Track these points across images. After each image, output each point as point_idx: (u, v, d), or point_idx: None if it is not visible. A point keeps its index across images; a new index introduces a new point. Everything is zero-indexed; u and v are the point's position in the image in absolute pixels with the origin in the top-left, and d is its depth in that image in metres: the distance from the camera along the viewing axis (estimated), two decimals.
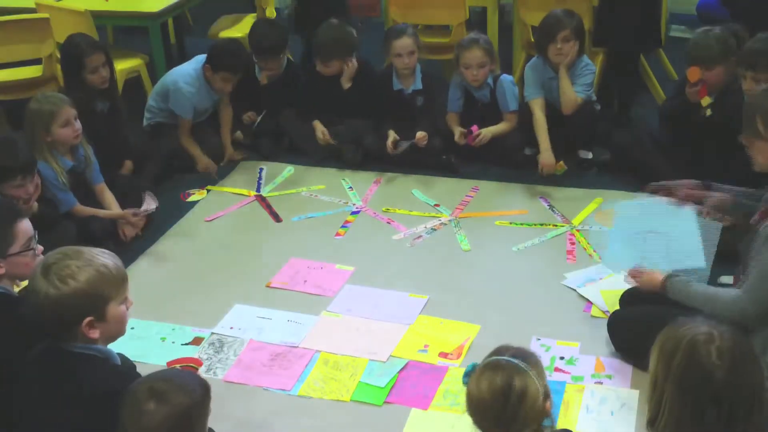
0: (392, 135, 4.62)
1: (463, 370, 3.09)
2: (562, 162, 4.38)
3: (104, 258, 2.33)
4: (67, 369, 2.31)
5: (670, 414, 1.88)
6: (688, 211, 3.27)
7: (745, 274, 2.85)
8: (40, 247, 2.80)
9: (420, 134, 4.55)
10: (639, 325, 3.09)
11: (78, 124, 3.95)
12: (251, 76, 4.93)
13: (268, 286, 3.73)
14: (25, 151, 3.65)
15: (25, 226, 2.71)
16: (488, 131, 4.55)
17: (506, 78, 4.62)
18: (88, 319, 2.27)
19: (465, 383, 2.10)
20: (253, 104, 4.97)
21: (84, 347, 2.31)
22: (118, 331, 2.40)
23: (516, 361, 2.05)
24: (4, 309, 2.60)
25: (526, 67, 4.58)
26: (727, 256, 3.14)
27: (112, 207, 4.11)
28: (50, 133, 3.88)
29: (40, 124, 3.87)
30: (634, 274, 3.10)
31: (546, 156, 4.37)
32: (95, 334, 2.30)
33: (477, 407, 2.06)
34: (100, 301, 2.29)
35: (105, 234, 3.99)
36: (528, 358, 2.09)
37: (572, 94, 4.40)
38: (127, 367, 2.51)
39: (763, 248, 2.72)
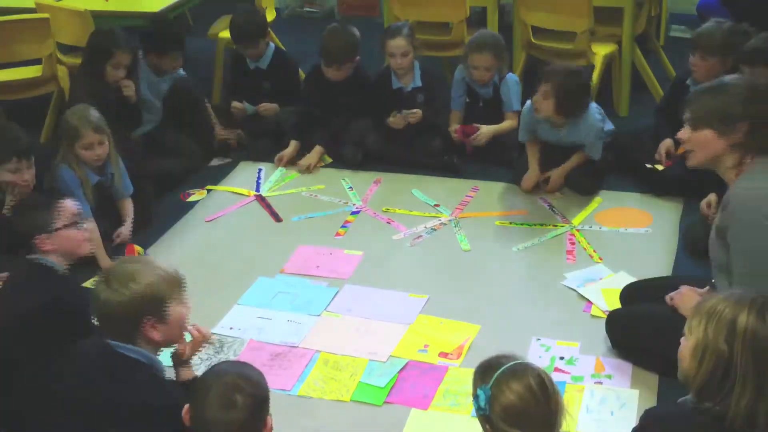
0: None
1: (463, 369, 3.14)
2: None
3: (160, 264, 2.47)
4: (111, 371, 2.37)
5: (745, 382, 1.96)
6: None
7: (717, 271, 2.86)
8: (90, 225, 3.14)
9: (414, 113, 4.57)
10: (636, 322, 3.11)
11: (100, 150, 3.88)
12: (243, 67, 4.98)
13: (282, 273, 3.77)
14: (22, 135, 3.64)
15: (69, 203, 3.01)
16: (488, 130, 4.54)
17: (511, 77, 4.62)
18: (149, 320, 2.38)
19: (483, 409, 2.06)
20: (244, 92, 4.99)
21: (132, 350, 2.38)
22: (177, 335, 2.51)
23: (526, 361, 2.11)
24: (43, 278, 2.81)
25: (522, 111, 4.42)
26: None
27: (127, 220, 4.09)
28: (74, 149, 3.86)
29: (68, 137, 3.87)
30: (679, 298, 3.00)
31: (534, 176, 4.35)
32: (157, 335, 2.40)
33: (521, 415, 2.03)
34: (160, 302, 2.39)
35: (105, 236, 3.98)
36: (523, 357, 2.15)
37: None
38: (168, 381, 2.54)
39: (725, 240, 2.72)
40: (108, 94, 4.33)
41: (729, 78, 2.86)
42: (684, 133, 2.81)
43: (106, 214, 4.01)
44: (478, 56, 4.48)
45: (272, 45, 5.02)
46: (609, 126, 4.41)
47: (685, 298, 2.96)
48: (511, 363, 2.09)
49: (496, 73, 4.56)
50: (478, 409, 2.08)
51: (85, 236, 3.04)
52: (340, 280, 3.73)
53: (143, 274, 2.39)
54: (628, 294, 3.33)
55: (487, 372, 2.11)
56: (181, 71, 4.87)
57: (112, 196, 4.07)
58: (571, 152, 4.32)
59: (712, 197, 3.67)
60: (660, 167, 4.21)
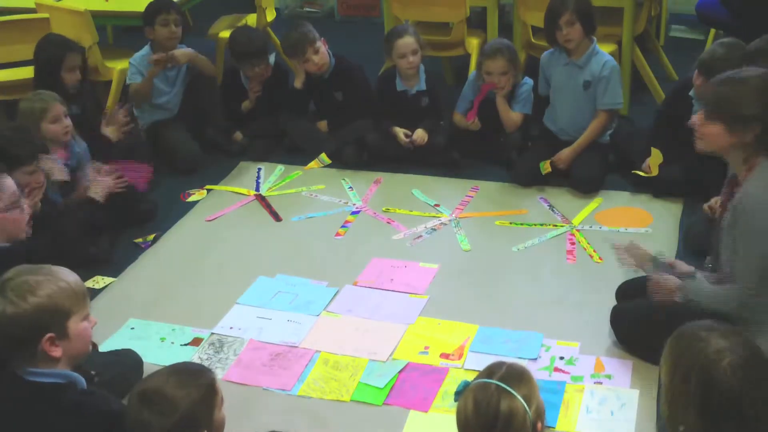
0: (400, 131, 4.62)
1: (464, 371, 3.14)
2: (548, 162, 4.38)
3: (62, 273, 2.29)
4: (30, 404, 2.22)
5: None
6: None
7: (719, 263, 2.92)
8: (26, 206, 2.86)
9: (419, 133, 4.57)
10: (640, 316, 3.11)
11: (68, 121, 3.98)
12: (239, 88, 4.98)
13: (354, 285, 3.72)
14: (38, 137, 3.69)
15: (9, 182, 2.78)
16: (502, 101, 4.53)
17: (529, 81, 4.61)
18: (48, 335, 2.21)
19: (456, 401, 2.09)
20: (239, 98, 4.99)
21: (45, 373, 2.24)
22: (81, 350, 2.32)
23: (504, 384, 2.04)
24: None
25: (541, 61, 4.56)
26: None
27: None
28: (39, 129, 3.89)
29: (32, 121, 3.89)
30: (655, 286, 3.04)
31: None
32: (57, 352, 2.24)
33: (465, 427, 2.05)
34: (61, 316, 2.23)
35: (103, 232, 4.00)
36: (521, 377, 2.08)
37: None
38: (99, 385, 2.43)
39: (733, 237, 2.77)
40: (69, 107, 4.29)
41: (751, 73, 2.80)
42: (697, 118, 2.83)
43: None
44: (491, 62, 4.45)
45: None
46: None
47: (660, 285, 3.00)
48: (492, 381, 2.05)
49: (512, 79, 4.53)
50: (455, 399, 2.10)
51: (25, 220, 2.88)
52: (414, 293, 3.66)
53: (44, 286, 2.22)
54: (625, 290, 3.34)
55: (482, 372, 2.12)
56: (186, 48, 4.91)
57: (74, 180, 4.03)
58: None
59: (714, 201, 3.65)
60: (644, 174, 4.22)
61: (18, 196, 2.82)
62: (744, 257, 2.77)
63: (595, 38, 4.38)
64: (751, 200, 2.73)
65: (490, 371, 2.10)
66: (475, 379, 2.11)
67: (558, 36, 4.31)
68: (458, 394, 2.09)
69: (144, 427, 2.08)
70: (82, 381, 2.32)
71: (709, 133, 2.80)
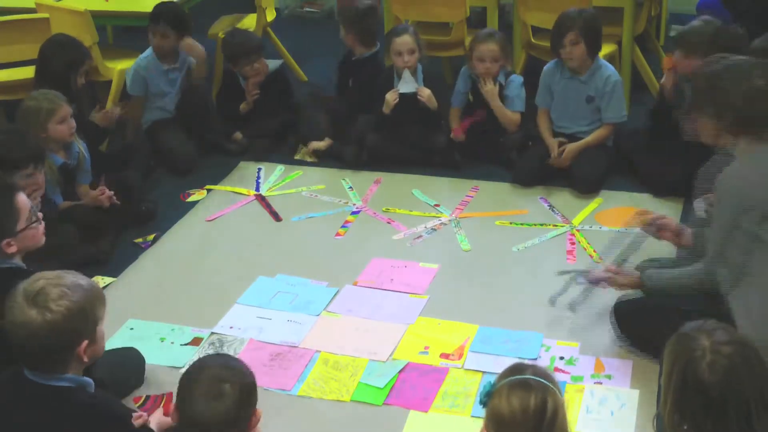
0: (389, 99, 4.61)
1: (464, 371, 3.14)
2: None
3: (83, 279, 2.30)
4: (41, 407, 2.24)
5: (670, 423, 1.94)
6: None
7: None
8: (40, 214, 2.88)
9: (424, 92, 4.57)
10: (642, 311, 3.11)
11: (72, 122, 3.98)
12: (238, 88, 4.97)
13: (354, 285, 3.72)
14: (34, 140, 3.68)
15: (23, 198, 2.79)
16: (498, 104, 4.54)
17: (517, 78, 4.62)
18: (85, 341, 2.24)
19: (484, 402, 2.05)
20: (238, 100, 5.00)
21: (57, 377, 2.25)
22: (99, 352, 2.35)
23: (545, 381, 2.04)
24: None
25: (542, 73, 4.57)
26: None
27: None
28: (46, 129, 3.89)
29: (37, 120, 3.88)
30: (611, 279, 3.16)
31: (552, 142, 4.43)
32: (86, 358, 2.26)
33: (507, 426, 2.00)
34: (93, 321, 2.26)
35: (103, 233, 4.00)
36: (549, 374, 2.09)
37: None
38: (106, 390, 2.46)
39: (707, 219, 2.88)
40: (80, 101, 4.39)
41: (720, 63, 2.93)
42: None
43: (71, 197, 4.04)
44: (483, 46, 4.48)
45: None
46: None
47: (621, 278, 3.15)
48: (531, 377, 2.04)
49: (502, 70, 4.56)
50: (480, 397, 2.08)
51: (42, 230, 2.87)
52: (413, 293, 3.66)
53: (74, 292, 2.22)
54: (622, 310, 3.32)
55: (508, 372, 2.09)
56: (191, 59, 4.94)
57: (74, 179, 4.07)
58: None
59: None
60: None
61: (32, 211, 2.81)
62: (712, 230, 2.85)
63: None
64: (724, 177, 2.81)
65: (518, 370, 2.08)
66: (501, 379, 2.07)
67: (561, 52, 4.35)
68: (488, 395, 2.05)
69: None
70: (91, 384, 2.33)
71: (697, 126, 2.94)
